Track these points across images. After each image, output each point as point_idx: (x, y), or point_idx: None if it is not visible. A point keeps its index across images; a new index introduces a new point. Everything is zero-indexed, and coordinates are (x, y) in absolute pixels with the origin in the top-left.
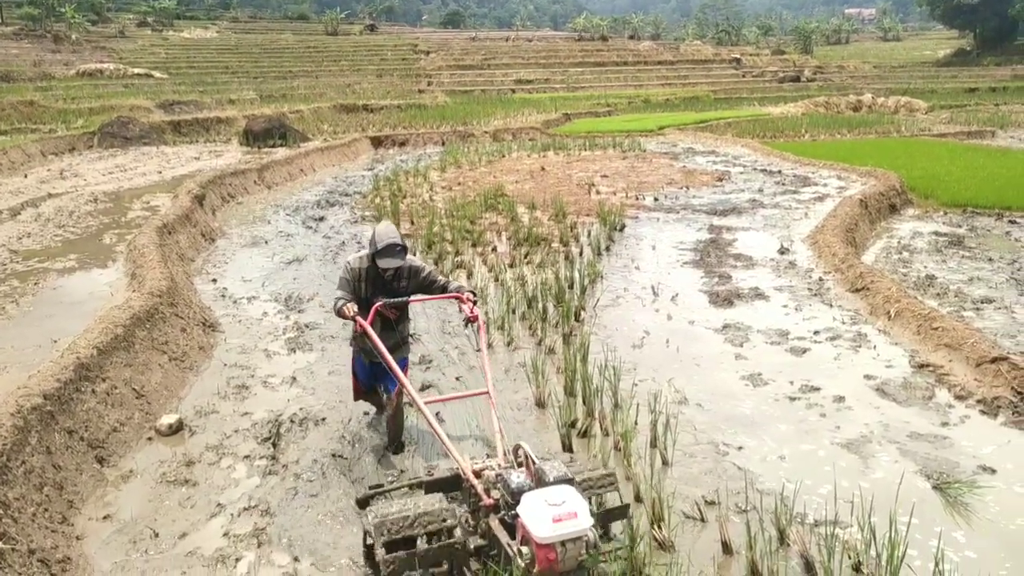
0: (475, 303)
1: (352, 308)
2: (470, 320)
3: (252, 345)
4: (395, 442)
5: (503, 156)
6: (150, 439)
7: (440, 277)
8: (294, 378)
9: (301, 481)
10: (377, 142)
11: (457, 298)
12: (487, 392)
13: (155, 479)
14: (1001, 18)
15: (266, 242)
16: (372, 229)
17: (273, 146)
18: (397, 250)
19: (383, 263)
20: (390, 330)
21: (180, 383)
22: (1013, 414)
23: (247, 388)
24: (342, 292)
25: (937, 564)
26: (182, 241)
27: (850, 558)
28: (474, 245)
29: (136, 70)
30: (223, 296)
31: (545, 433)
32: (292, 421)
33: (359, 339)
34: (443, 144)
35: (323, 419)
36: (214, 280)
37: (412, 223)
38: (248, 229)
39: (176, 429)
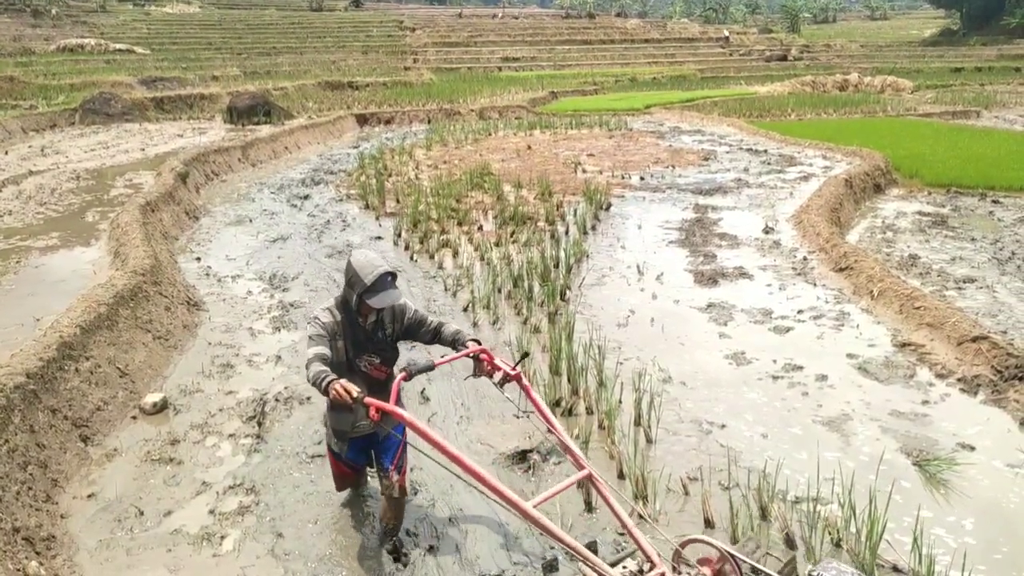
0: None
1: (350, 388)
2: (510, 380)
3: (237, 324)
4: (392, 536)
5: (489, 134)
6: (134, 418)
7: (430, 317)
8: (279, 357)
9: (286, 458)
10: (362, 120)
11: (475, 356)
12: (587, 473)
13: (139, 458)
14: None
15: (250, 220)
16: (346, 263)
17: (257, 123)
18: (389, 280)
19: (376, 301)
20: (379, 391)
21: (164, 362)
22: (992, 392)
23: (232, 367)
24: (318, 356)
25: (916, 540)
26: (165, 219)
27: (831, 534)
28: (460, 224)
29: (118, 45)
30: (207, 275)
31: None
32: (277, 400)
33: (337, 415)
34: (429, 122)
35: (308, 398)
36: (198, 259)
37: (398, 201)
38: (232, 207)
39: (160, 408)
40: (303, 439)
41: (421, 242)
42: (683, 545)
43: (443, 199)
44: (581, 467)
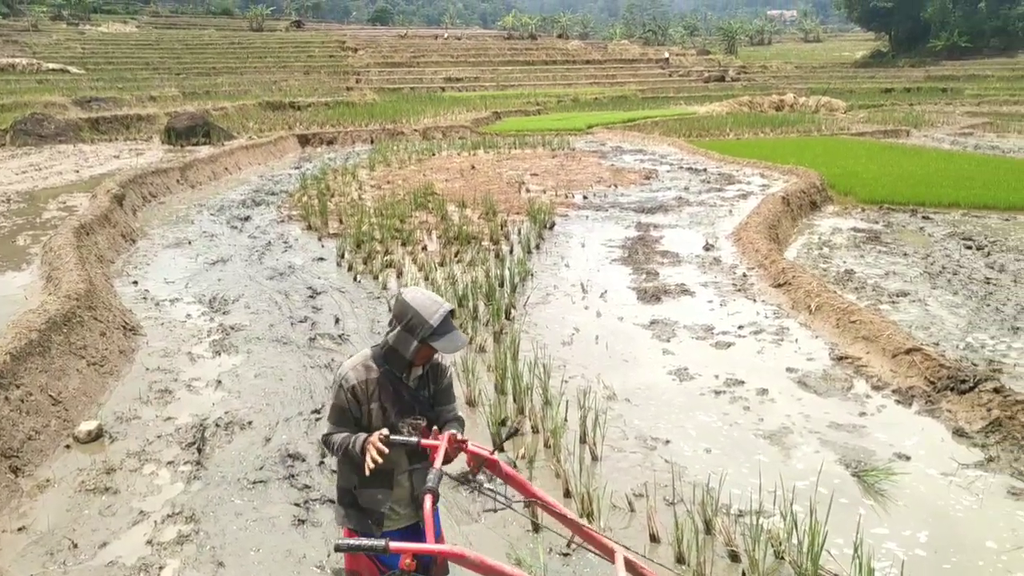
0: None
1: (376, 444)
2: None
3: (175, 348)
4: None
5: (433, 154)
6: (68, 447)
7: (454, 404)
8: (219, 381)
9: (227, 485)
10: (304, 140)
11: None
12: (612, 549)
13: (74, 488)
14: (914, 21)
15: (189, 242)
16: (398, 302)
17: (196, 144)
18: (452, 320)
19: (445, 345)
20: (419, 461)
21: (100, 388)
22: (926, 403)
23: (170, 392)
24: (338, 431)
25: (856, 549)
26: (101, 242)
27: (773, 546)
28: (404, 244)
29: (51, 65)
30: (144, 298)
31: (476, 430)
32: (218, 425)
33: (370, 493)
34: (372, 142)
35: (249, 423)
36: (135, 282)
37: (341, 222)
38: (171, 229)
39: (96, 436)
40: (244, 465)
41: (365, 262)
42: None
43: (387, 219)
44: (609, 550)
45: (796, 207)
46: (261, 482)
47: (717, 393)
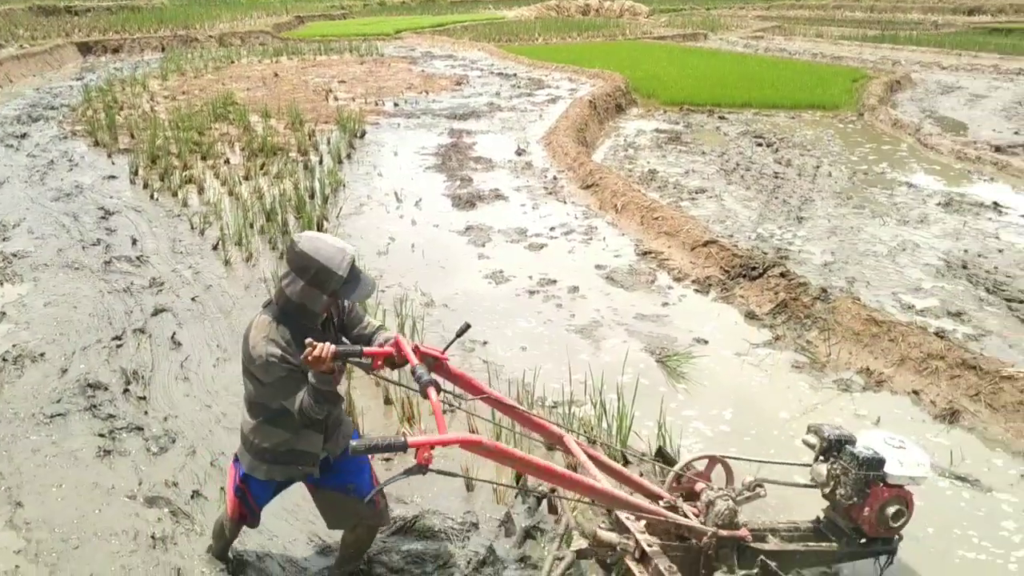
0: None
1: (327, 347)
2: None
3: None
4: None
5: (232, 62)
6: None
7: (368, 317)
8: (3, 312)
9: (20, 422)
10: (86, 49)
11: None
12: (559, 435)
13: None
14: None
15: None
16: (296, 254)
17: None
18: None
19: (358, 295)
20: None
21: None
22: (722, 291)
23: None
24: (301, 394)
25: (660, 427)
26: None
27: (585, 432)
28: (204, 158)
29: None
30: None
31: None
32: (4, 360)
33: (305, 436)
34: (163, 50)
35: (42, 354)
36: None
37: (132, 137)
38: None
39: None
40: (39, 399)
41: (162, 179)
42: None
43: (184, 132)
44: (557, 435)
45: (603, 110)
46: (60, 415)
47: (531, 293)
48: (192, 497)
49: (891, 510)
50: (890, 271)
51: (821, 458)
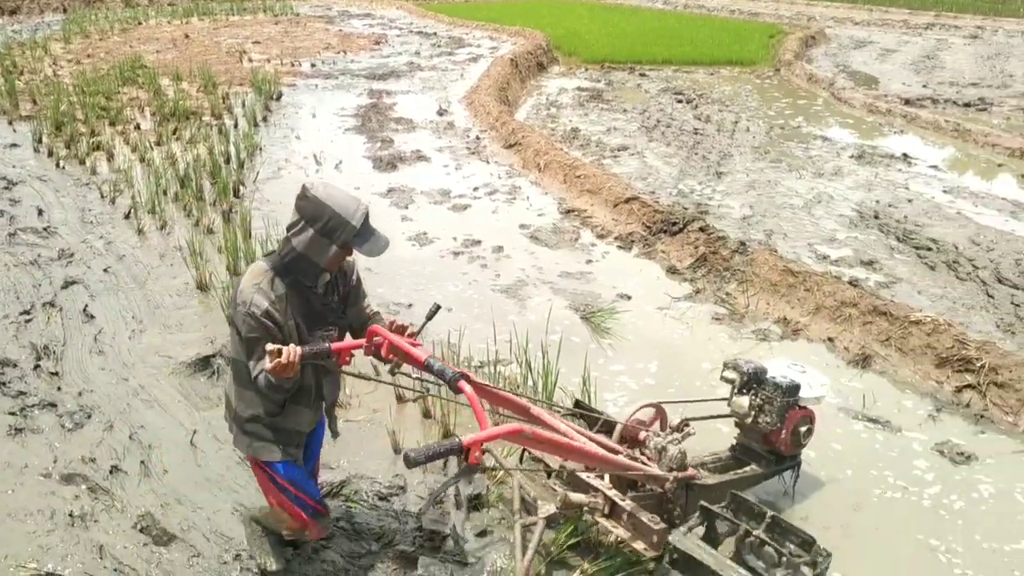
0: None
1: (295, 351)
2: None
3: None
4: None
5: (139, 23)
6: None
7: (366, 298)
8: None
9: None
10: None
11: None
12: (530, 408)
13: None
14: None
15: None
16: (309, 201)
17: None
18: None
19: (370, 249)
20: (331, 380)
21: None
22: (644, 247)
23: None
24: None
25: (585, 382)
26: None
27: (511, 389)
28: (113, 123)
29: None
30: None
31: (210, 315)
32: None
33: (292, 411)
34: (65, 11)
35: None
36: None
37: (35, 103)
38: None
39: None
40: None
41: (68, 146)
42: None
43: (90, 97)
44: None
45: (524, 69)
46: None
47: (456, 254)
48: (111, 472)
49: (803, 429)
50: (806, 223)
51: (743, 391)
